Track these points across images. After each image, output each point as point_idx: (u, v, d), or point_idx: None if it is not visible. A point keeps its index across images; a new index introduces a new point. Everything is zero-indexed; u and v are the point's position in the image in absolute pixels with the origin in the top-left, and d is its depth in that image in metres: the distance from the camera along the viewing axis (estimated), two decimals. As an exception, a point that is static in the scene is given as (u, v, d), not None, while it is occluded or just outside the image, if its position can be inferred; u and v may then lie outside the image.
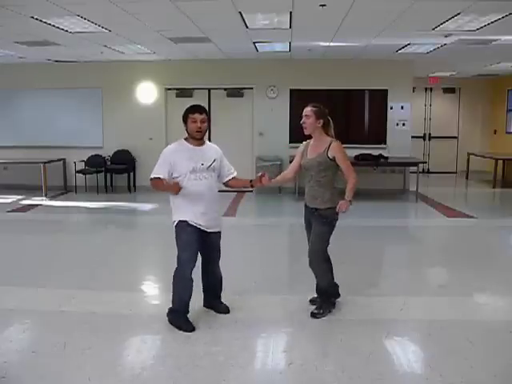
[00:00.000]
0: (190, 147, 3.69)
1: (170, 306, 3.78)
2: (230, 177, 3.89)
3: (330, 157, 3.73)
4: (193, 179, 3.63)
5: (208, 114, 3.81)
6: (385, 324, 3.78)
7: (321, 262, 3.87)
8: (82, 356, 3.26)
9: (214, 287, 4.01)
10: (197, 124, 3.64)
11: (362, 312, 4.02)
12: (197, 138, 3.68)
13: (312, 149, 3.87)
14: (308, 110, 3.84)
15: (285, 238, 7.06)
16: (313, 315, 3.86)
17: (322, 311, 3.88)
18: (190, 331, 3.62)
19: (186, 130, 3.71)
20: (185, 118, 3.71)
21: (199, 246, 3.72)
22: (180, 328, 3.65)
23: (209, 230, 3.73)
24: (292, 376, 3.06)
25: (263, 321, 3.86)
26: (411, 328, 3.79)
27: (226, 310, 3.95)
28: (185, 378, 3.01)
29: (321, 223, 3.80)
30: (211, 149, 3.81)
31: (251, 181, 3.89)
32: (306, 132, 3.86)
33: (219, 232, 3.85)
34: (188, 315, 3.74)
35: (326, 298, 3.95)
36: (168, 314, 3.78)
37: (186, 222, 3.64)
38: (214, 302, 4.01)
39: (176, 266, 3.71)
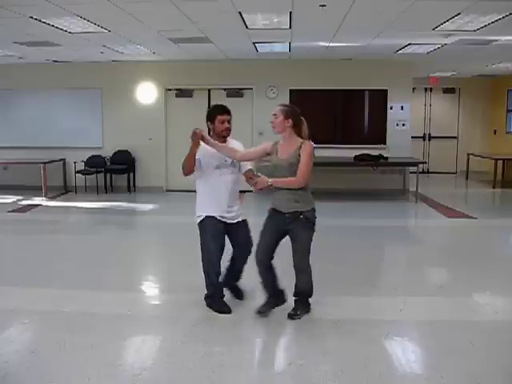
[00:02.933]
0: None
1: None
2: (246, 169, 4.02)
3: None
4: (218, 175, 3.90)
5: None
6: (385, 324, 3.78)
7: (308, 266, 3.89)
8: (82, 356, 3.26)
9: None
10: (225, 124, 3.92)
11: (361, 312, 4.02)
12: (225, 136, 3.95)
13: (283, 149, 3.77)
14: (276, 109, 3.79)
15: (284, 238, 7.05)
16: (290, 316, 3.83)
17: (299, 312, 3.87)
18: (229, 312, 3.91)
19: (212, 129, 3.96)
20: (212, 118, 3.94)
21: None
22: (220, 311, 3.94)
23: (234, 221, 4.00)
24: (292, 376, 3.06)
25: (263, 321, 3.86)
26: (411, 328, 3.79)
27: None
28: (185, 378, 3.01)
29: (307, 227, 3.76)
30: (233, 144, 3.99)
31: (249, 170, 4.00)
32: (276, 131, 3.79)
33: (244, 220, 4.11)
34: None
35: (305, 300, 3.94)
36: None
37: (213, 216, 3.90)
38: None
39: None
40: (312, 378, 3.01)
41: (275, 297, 3.95)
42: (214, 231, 3.90)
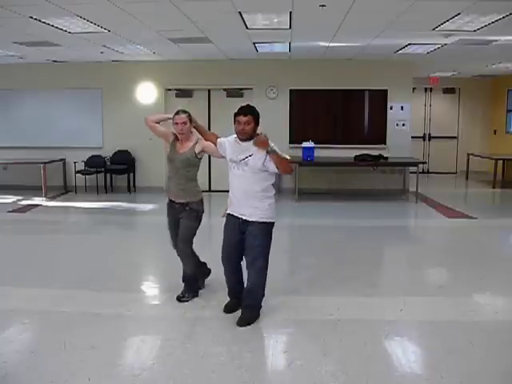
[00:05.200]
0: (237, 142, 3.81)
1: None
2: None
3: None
4: (232, 168, 3.82)
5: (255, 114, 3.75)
6: (385, 324, 3.78)
7: (190, 253, 4.24)
8: (82, 356, 3.26)
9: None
10: (240, 126, 3.69)
11: (362, 312, 4.02)
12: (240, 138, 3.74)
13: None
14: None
15: (284, 238, 7.05)
16: (178, 299, 4.18)
17: (187, 295, 4.21)
18: None
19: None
20: (234, 117, 3.75)
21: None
22: None
23: (244, 218, 3.74)
24: (292, 376, 3.06)
25: (263, 321, 3.86)
26: (411, 328, 3.79)
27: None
28: (185, 379, 3.01)
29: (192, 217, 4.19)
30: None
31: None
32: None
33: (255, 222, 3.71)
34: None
35: (192, 284, 4.27)
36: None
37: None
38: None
39: None
40: (312, 377, 3.01)
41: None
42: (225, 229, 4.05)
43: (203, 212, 4.22)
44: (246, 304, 3.84)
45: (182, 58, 9.70)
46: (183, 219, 4.13)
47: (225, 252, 3.89)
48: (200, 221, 4.20)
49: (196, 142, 4.15)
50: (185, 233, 4.15)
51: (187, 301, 4.18)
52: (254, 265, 3.72)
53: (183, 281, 4.28)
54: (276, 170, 3.66)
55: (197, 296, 4.27)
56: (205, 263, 4.51)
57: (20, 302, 4.23)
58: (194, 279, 4.30)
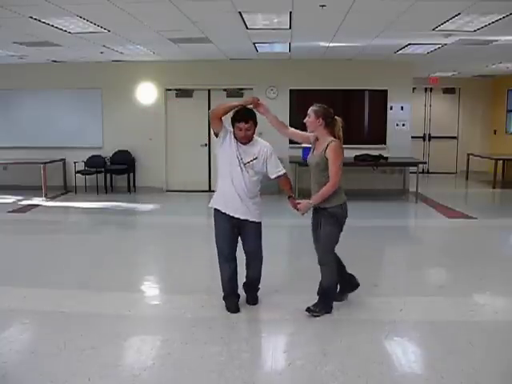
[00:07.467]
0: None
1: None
2: (275, 175, 3.98)
3: (327, 157, 3.78)
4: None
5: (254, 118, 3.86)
6: (385, 324, 3.78)
7: (326, 261, 3.92)
8: (82, 356, 3.26)
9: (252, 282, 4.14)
10: (241, 132, 3.79)
11: (362, 312, 4.03)
12: (242, 143, 3.87)
13: (316, 147, 3.94)
14: (309, 109, 3.92)
15: (284, 238, 7.06)
16: (308, 310, 3.85)
17: (317, 309, 3.86)
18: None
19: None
20: (232, 123, 3.82)
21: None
22: None
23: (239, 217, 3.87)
24: (292, 376, 3.06)
25: (263, 321, 3.86)
26: (411, 328, 3.79)
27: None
28: (185, 378, 3.01)
29: (329, 222, 3.88)
30: (257, 146, 3.91)
31: (289, 197, 4.05)
32: (308, 130, 3.97)
33: (253, 221, 3.92)
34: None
35: (326, 299, 3.91)
36: None
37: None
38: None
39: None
40: (312, 378, 3.01)
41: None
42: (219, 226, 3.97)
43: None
44: (256, 290, 4.13)
45: (181, 58, 9.70)
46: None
47: (229, 248, 3.92)
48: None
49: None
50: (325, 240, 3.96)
51: (317, 315, 3.84)
52: (257, 257, 4.00)
53: (318, 293, 3.95)
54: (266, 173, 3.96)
55: (329, 313, 3.91)
56: (352, 275, 4.19)
57: (20, 302, 4.23)
58: (328, 294, 3.92)
